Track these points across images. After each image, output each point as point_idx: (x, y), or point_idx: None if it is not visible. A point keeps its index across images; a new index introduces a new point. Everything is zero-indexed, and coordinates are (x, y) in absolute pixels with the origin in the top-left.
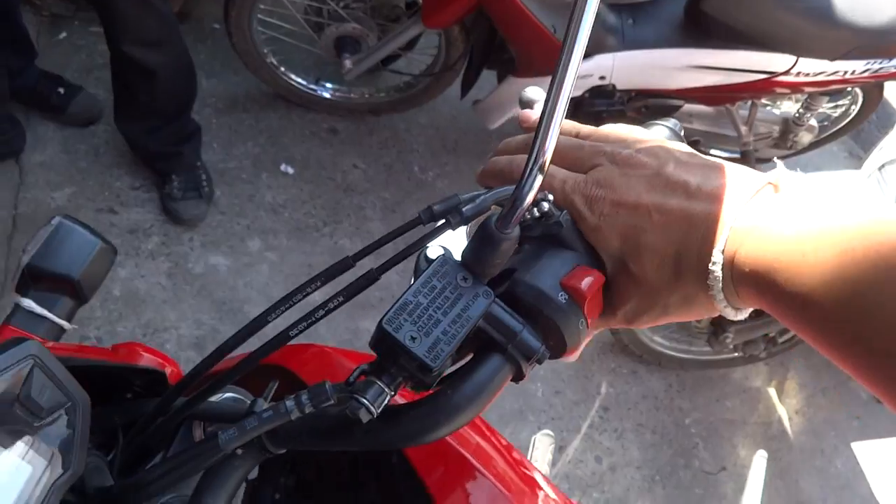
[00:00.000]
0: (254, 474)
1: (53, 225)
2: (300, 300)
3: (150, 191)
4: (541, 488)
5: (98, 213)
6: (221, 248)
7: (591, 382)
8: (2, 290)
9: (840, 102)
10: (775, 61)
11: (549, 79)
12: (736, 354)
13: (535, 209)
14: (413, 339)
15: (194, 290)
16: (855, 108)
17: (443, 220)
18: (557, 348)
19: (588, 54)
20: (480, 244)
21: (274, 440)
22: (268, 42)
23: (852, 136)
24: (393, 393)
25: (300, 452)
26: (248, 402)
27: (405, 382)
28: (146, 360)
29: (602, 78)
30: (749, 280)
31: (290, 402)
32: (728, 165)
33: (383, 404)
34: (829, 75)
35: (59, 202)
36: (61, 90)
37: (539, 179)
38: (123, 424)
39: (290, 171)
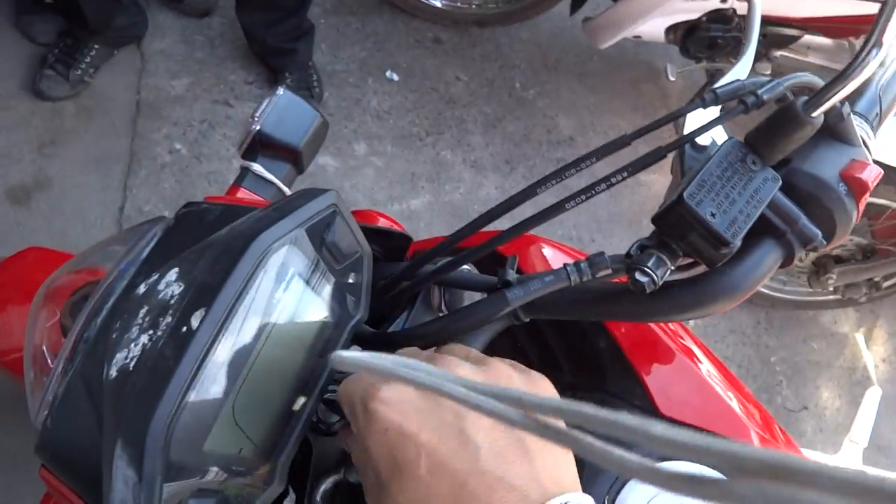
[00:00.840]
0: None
1: (278, 96)
2: (572, 174)
3: (263, 87)
4: (744, 396)
5: (214, 105)
6: (329, 149)
7: None
8: (127, 170)
9: None
10: None
11: None
12: (834, 297)
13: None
14: (713, 214)
15: (303, 186)
16: None
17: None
18: (827, 238)
19: None
20: (778, 127)
21: (529, 308)
22: None
23: None
24: (673, 267)
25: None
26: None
27: (686, 257)
28: (384, 225)
29: (724, 1)
30: None
31: (570, 268)
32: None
33: (664, 276)
34: None
35: (178, 91)
36: None
37: (873, 62)
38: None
39: (396, 78)
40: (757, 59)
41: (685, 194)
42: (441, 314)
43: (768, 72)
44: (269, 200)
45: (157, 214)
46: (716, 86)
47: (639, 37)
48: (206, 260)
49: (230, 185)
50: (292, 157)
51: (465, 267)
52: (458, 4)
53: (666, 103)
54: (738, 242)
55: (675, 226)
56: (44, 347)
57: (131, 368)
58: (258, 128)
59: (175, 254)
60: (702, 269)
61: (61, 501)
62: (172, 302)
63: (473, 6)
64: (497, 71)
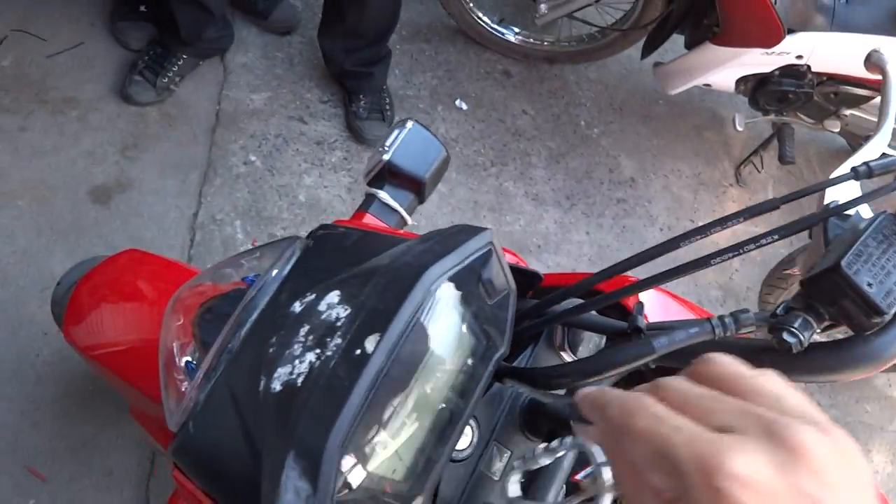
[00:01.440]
0: None
1: (408, 128)
2: (715, 232)
3: (337, 106)
4: None
5: (289, 121)
6: None
7: None
8: (203, 177)
9: None
10: None
11: (747, 51)
12: None
13: None
14: (870, 284)
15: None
16: None
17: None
18: None
19: (791, 30)
20: None
21: (663, 356)
22: None
23: None
24: (819, 329)
25: None
26: (599, 316)
27: (834, 321)
28: (512, 262)
29: (799, 57)
30: None
31: (715, 322)
32: None
33: (810, 338)
34: None
35: (256, 105)
36: None
37: None
38: None
39: (465, 107)
40: (826, 116)
41: (843, 263)
42: (562, 353)
43: (837, 129)
44: (393, 227)
45: (229, 223)
46: (868, 160)
47: (709, 85)
48: (375, 287)
49: (356, 209)
50: (416, 187)
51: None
52: (531, 40)
53: (728, 151)
54: (892, 312)
55: (827, 291)
56: (175, 354)
57: (299, 384)
58: (388, 157)
59: (320, 274)
60: (838, 332)
61: (191, 502)
62: (339, 324)
63: (545, 43)
64: (563, 107)
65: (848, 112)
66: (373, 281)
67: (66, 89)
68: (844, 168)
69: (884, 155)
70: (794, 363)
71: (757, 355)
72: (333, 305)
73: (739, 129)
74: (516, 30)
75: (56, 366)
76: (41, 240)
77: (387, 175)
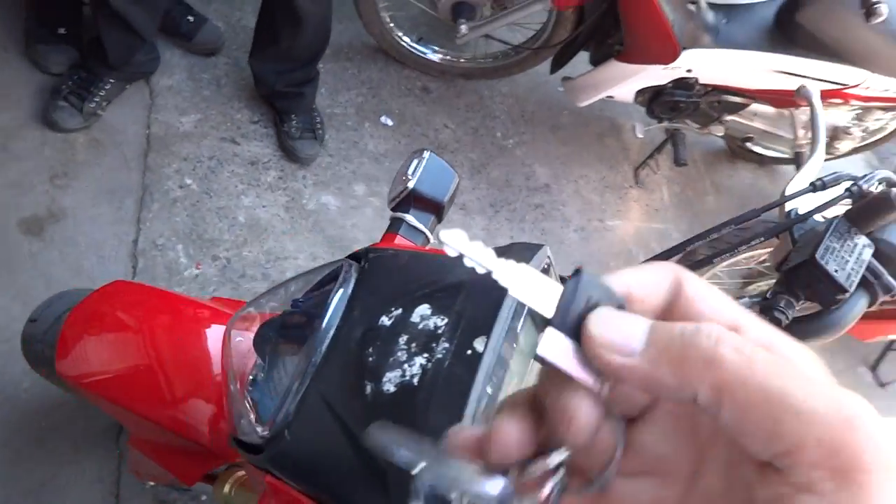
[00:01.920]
0: None
1: (426, 157)
2: (714, 238)
3: (268, 126)
4: None
5: (222, 142)
6: (331, 188)
7: None
8: (139, 203)
9: (883, 117)
10: (849, 74)
11: (647, 68)
12: None
13: None
14: (836, 271)
15: (308, 224)
16: (894, 124)
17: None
18: None
19: (684, 47)
20: (876, 209)
21: None
22: None
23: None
24: (797, 307)
25: None
26: None
27: (809, 300)
28: None
29: (689, 71)
30: None
31: None
32: None
33: (792, 315)
34: (892, 93)
35: (186, 127)
36: (190, 18)
37: None
38: None
39: (390, 122)
40: (711, 121)
41: (817, 256)
42: None
43: (720, 133)
44: (421, 246)
45: (171, 248)
46: (822, 177)
47: (611, 97)
48: (468, 299)
49: (385, 232)
50: (436, 209)
51: None
52: (449, 58)
53: (627, 156)
54: (853, 290)
55: (804, 278)
56: (239, 375)
57: (416, 384)
58: (413, 185)
59: (388, 291)
60: (809, 309)
61: None
62: (440, 331)
63: (462, 60)
64: (480, 121)
65: (729, 118)
66: (462, 294)
67: None
68: (794, 185)
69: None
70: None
71: None
72: (427, 317)
73: (640, 136)
74: (435, 48)
75: (3, 403)
76: None
77: (411, 200)
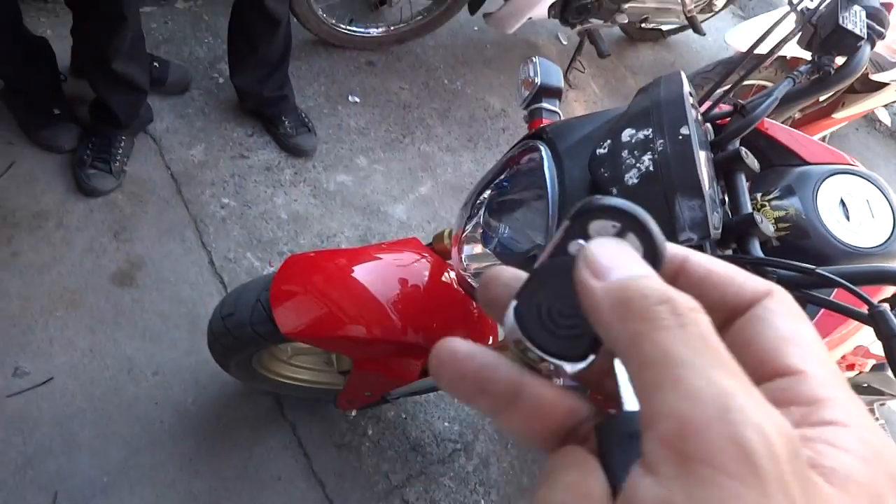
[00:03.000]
0: None
1: (537, 61)
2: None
3: (263, 135)
4: None
5: (233, 160)
6: (339, 168)
7: None
8: (197, 231)
9: None
10: None
11: None
12: None
13: None
14: (853, 28)
15: (338, 203)
16: None
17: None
18: None
19: None
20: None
21: None
22: None
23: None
24: (833, 63)
25: None
26: None
27: (838, 54)
28: None
29: None
30: None
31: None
32: None
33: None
34: None
35: (199, 158)
36: (157, 64)
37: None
38: None
39: (357, 100)
40: (613, 13)
41: (840, 23)
42: None
43: (625, 20)
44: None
45: (242, 257)
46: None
47: (531, 18)
48: (657, 113)
49: (529, 123)
50: (558, 94)
51: None
52: (385, 29)
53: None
54: (866, 37)
55: (834, 40)
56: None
57: (653, 170)
58: (540, 81)
59: (581, 138)
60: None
61: None
62: (650, 136)
63: (393, 28)
64: (426, 75)
65: (627, 5)
66: (652, 113)
67: (27, 207)
68: None
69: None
70: None
71: None
72: (634, 134)
73: (565, 42)
74: (370, 24)
75: (180, 422)
76: (98, 336)
77: (542, 94)
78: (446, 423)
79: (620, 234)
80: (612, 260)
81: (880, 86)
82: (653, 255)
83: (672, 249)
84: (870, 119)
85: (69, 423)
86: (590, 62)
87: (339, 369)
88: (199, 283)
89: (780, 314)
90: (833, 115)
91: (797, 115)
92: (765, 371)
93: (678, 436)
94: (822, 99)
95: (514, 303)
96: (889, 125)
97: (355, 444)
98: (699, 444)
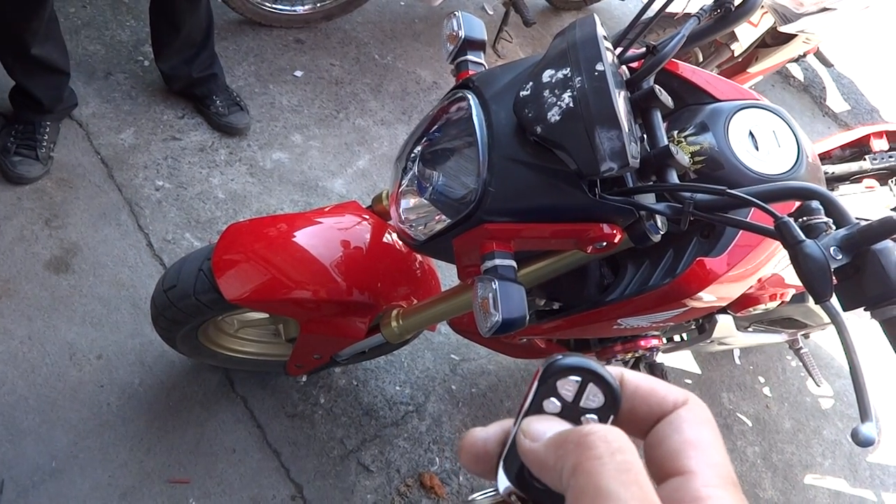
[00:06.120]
0: None
1: (459, 15)
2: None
3: (195, 116)
4: None
5: (165, 143)
6: (275, 146)
7: None
8: (132, 215)
9: None
10: None
11: None
12: None
13: None
14: None
15: (275, 180)
16: None
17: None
18: None
19: None
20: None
21: None
22: None
23: None
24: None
25: None
26: None
27: None
28: None
29: None
30: None
31: None
32: None
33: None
34: None
35: (129, 141)
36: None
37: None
38: None
39: (300, 74)
40: None
41: None
42: None
43: None
44: None
45: (181, 238)
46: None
47: None
48: (573, 52)
49: (456, 75)
50: (482, 46)
51: None
52: (312, 6)
53: None
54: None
55: None
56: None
57: (573, 105)
58: (464, 34)
59: (507, 83)
60: None
61: (510, 239)
62: (569, 75)
63: (319, 4)
64: (356, 51)
65: None
66: (569, 53)
67: None
68: None
69: None
70: None
71: None
72: (553, 74)
73: (491, 13)
74: (296, 2)
75: (128, 403)
76: (36, 323)
77: (466, 46)
78: (397, 387)
79: (583, 385)
80: (545, 425)
81: (789, 38)
82: (612, 397)
83: (612, 370)
84: (784, 75)
85: (11, 411)
86: (517, 32)
87: (286, 338)
88: (139, 266)
89: (689, 421)
90: (748, 70)
91: (715, 72)
92: (666, 469)
93: None
94: (736, 54)
95: (502, 465)
96: (802, 80)
97: (308, 413)
98: None
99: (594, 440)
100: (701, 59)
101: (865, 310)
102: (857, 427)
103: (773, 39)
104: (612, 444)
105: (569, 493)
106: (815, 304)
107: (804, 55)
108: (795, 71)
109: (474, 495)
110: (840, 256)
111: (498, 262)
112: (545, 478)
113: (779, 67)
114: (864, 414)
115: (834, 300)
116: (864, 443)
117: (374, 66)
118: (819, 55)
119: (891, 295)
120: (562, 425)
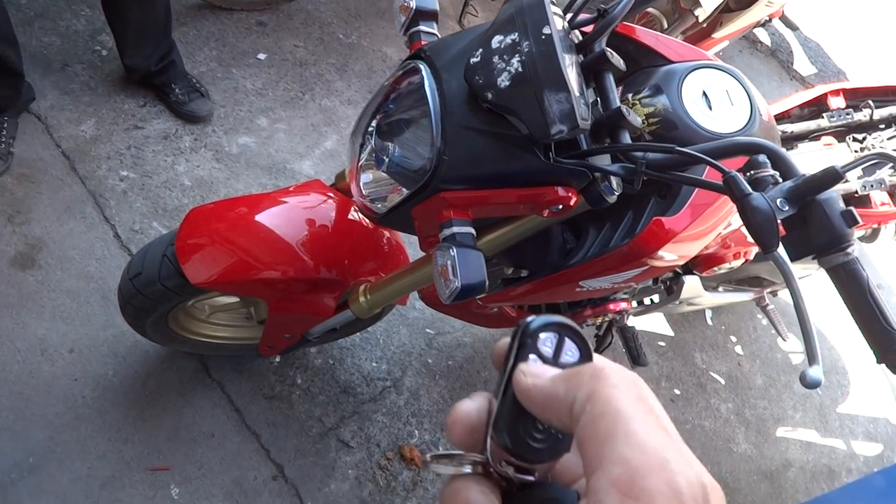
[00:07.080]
0: None
1: None
2: None
3: (156, 105)
4: None
5: (128, 132)
6: (240, 130)
7: None
8: (97, 207)
9: None
10: None
11: None
12: None
13: None
14: None
15: (242, 165)
16: None
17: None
18: None
19: None
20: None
21: None
22: None
23: None
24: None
25: None
26: None
27: None
28: None
29: None
30: None
31: None
32: None
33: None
34: None
35: (90, 132)
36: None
37: None
38: None
39: (263, 56)
40: None
41: None
42: None
43: None
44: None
45: (148, 227)
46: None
47: None
48: (520, 17)
49: (410, 45)
50: (434, 16)
51: None
52: None
53: (447, 13)
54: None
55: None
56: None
57: (521, 70)
58: (415, 5)
59: (458, 51)
60: None
61: (467, 206)
62: (517, 39)
63: None
64: (320, 31)
65: None
66: (517, 18)
67: None
68: None
69: None
70: None
71: None
72: (502, 40)
73: None
74: None
75: (103, 395)
76: (4, 320)
77: (418, 17)
78: (374, 364)
79: (560, 340)
80: (542, 368)
81: (752, 2)
82: (585, 348)
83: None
84: (751, 41)
85: None
86: (483, 7)
87: (258, 319)
88: (107, 258)
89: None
90: (713, 36)
91: (680, 38)
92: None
93: (626, 478)
94: (701, 20)
95: (491, 430)
96: (769, 45)
97: (285, 394)
98: (643, 487)
99: (609, 372)
100: (665, 25)
101: (813, 258)
102: (804, 370)
103: (737, 4)
104: (627, 375)
105: (584, 418)
106: (764, 254)
107: (769, 19)
108: (762, 36)
109: (436, 460)
110: (787, 207)
111: (456, 229)
112: (550, 412)
113: (744, 32)
114: (812, 357)
115: (783, 251)
116: (811, 384)
117: (339, 45)
118: (784, 18)
119: (836, 242)
120: (556, 371)
